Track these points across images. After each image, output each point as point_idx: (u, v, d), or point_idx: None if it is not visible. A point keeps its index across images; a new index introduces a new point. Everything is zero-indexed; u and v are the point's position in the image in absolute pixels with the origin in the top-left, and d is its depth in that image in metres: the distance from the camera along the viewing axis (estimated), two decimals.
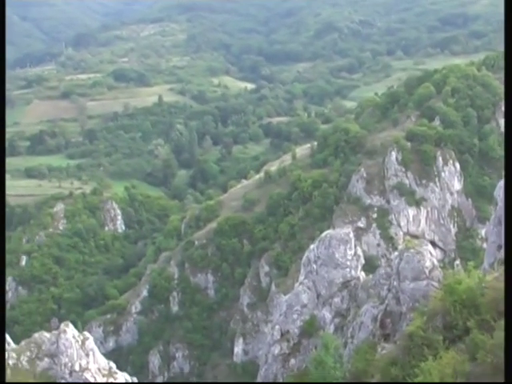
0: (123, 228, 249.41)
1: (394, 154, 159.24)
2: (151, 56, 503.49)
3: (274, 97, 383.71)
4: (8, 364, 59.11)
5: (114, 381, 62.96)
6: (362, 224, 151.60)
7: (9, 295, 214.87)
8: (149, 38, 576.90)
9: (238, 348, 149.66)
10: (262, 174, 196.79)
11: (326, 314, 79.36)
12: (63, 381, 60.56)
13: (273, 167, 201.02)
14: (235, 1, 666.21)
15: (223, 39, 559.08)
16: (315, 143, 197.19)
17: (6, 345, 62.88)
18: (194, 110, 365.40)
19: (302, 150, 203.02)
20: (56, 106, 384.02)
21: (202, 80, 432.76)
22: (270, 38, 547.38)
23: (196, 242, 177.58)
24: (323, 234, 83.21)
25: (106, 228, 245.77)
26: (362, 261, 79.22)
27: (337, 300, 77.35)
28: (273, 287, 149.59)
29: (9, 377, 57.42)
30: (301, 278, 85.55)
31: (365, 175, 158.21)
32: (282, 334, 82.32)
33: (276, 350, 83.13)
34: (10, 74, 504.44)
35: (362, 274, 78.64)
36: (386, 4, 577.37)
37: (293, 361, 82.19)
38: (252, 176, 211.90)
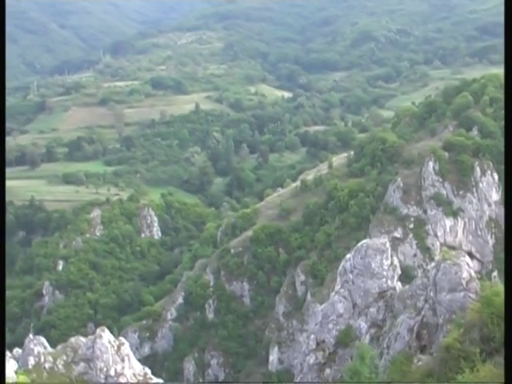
0: (159, 235, 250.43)
1: (431, 164, 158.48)
2: (188, 64, 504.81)
3: (311, 105, 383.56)
4: (44, 368, 59.61)
5: None
6: (398, 234, 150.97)
7: (46, 299, 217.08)
8: (186, 46, 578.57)
9: (273, 356, 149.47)
10: (298, 183, 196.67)
11: (362, 324, 79.24)
12: None
13: (309, 176, 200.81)
14: (272, 9, 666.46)
15: (260, 48, 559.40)
16: (352, 152, 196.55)
17: (43, 348, 63.54)
18: (231, 118, 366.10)
19: (339, 159, 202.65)
20: (94, 112, 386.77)
21: (238, 88, 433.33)
22: (307, 47, 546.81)
23: (232, 250, 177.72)
24: (359, 244, 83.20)
25: (143, 234, 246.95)
26: (399, 271, 79.06)
27: (373, 310, 77.22)
28: (308, 296, 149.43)
29: (45, 380, 57.95)
30: (337, 287, 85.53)
31: (402, 185, 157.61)
32: (317, 344, 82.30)
33: (311, 359, 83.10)
34: (48, 80, 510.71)
35: (399, 284, 78.45)
36: (424, 13, 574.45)
37: (328, 371, 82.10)
38: (288, 185, 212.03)
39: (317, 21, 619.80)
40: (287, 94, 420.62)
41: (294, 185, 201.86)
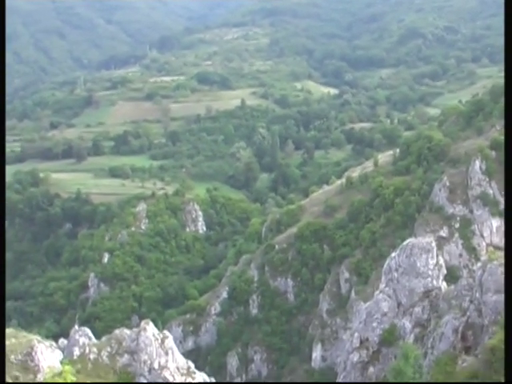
0: (204, 229, 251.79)
1: (477, 163, 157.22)
2: (234, 60, 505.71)
3: (357, 102, 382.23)
4: (89, 358, 60.61)
5: (192, 380, 64.13)
6: (444, 233, 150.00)
7: (91, 291, 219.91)
8: (232, 42, 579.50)
9: (317, 354, 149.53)
10: (343, 180, 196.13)
11: (406, 323, 79.25)
12: (142, 378, 61.95)
13: (354, 173, 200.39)
14: (318, 6, 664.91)
15: (306, 44, 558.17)
16: (397, 150, 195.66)
17: (87, 339, 64.62)
18: (277, 114, 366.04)
19: (385, 157, 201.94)
20: (140, 107, 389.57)
21: (284, 84, 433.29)
22: (353, 44, 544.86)
23: (276, 246, 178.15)
24: (405, 243, 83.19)
25: (188, 229, 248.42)
26: (444, 271, 78.99)
27: (417, 310, 77.23)
28: (352, 294, 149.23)
29: (90, 371, 58.98)
30: (381, 285, 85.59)
31: (448, 184, 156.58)
32: (361, 342, 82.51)
33: (355, 357, 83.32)
34: (95, 75, 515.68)
35: (444, 284, 78.36)
36: (472, 10, 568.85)
37: (371, 369, 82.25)
38: (333, 182, 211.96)
39: (364, 17, 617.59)
40: (333, 91, 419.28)
41: (339, 182, 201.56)
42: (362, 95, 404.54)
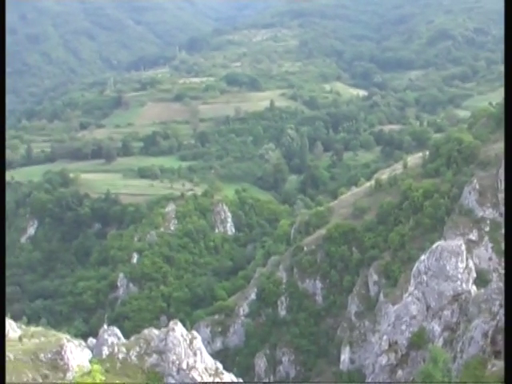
0: (233, 231, 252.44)
1: None
2: (263, 61, 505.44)
3: (386, 104, 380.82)
4: (117, 358, 61.11)
5: (220, 381, 64.48)
6: (473, 236, 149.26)
7: (120, 291, 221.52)
8: (261, 43, 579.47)
9: (345, 356, 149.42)
10: (372, 182, 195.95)
11: (436, 326, 79.12)
12: (170, 378, 62.38)
13: (383, 175, 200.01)
14: (347, 7, 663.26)
15: (335, 45, 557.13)
16: (427, 152, 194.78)
17: (116, 339, 65.15)
18: (306, 116, 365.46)
19: (414, 159, 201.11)
20: (169, 108, 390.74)
21: (313, 86, 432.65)
22: (382, 45, 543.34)
23: (305, 248, 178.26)
24: (434, 246, 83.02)
25: (216, 230, 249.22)
26: (474, 274, 78.71)
27: (447, 313, 77.07)
28: (381, 297, 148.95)
29: (118, 370, 59.48)
30: (410, 288, 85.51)
31: (477, 187, 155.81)
32: (389, 345, 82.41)
33: (383, 360, 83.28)
34: (124, 76, 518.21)
35: (473, 287, 78.12)
36: (502, 11, 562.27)
37: (400, 372, 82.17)
38: (362, 184, 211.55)
39: (392, 19, 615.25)
40: (362, 93, 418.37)
41: (368, 184, 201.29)
42: (391, 97, 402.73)
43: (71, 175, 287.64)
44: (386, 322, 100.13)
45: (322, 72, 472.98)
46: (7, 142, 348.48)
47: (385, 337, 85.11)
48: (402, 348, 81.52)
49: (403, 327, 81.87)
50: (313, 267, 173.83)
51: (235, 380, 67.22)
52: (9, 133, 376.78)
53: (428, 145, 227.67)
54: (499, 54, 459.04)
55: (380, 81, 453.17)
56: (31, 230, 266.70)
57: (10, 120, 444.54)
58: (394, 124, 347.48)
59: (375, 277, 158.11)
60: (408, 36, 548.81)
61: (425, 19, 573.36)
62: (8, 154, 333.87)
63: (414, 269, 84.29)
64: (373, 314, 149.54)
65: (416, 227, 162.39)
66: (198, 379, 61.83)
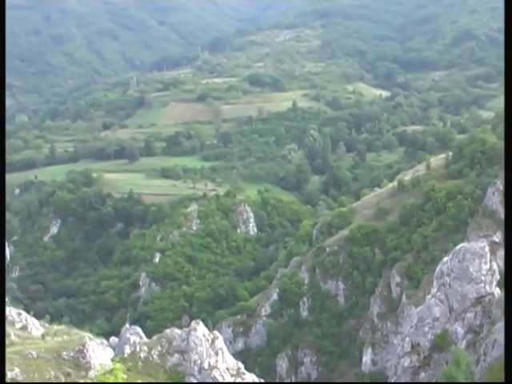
0: (255, 231, 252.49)
1: None
2: (286, 61, 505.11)
3: (409, 105, 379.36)
4: (139, 357, 61.38)
5: (241, 381, 64.52)
6: (497, 238, 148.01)
7: (142, 291, 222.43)
8: (284, 44, 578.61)
9: (367, 357, 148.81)
10: (395, 183, 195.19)
11: (458, 328, 78.86)
12: (192, 378, 62.53)
13: (406, 176, 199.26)
14: (370, 7, 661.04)
15: (358, 46, 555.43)
16: (450, 153, 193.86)
17: (138, 338, 65.47)
18: (328, 116, 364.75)
19: (437, 160, 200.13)
20: (192, 108, 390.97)
21: (336, 86, 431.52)
22: (405, 46, 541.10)
23: (327, 249, 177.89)
24: (457, 247, 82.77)
25: (239, 230, 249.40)
26: (497, 276, 78.41)
27: (470, 315, 76.79)
28: (403, 298, 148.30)
29: (140, 369, 59.74)
30: (433, 290, 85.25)
31: (501, 188, 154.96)
32: (412, 347, 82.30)
33: (406, 362, 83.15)
34: (147, 76, 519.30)
35: (497, 290, 77.81)
36: None
37: (423, 374, 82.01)
38: (385, 184, 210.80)
39: (416, 19, 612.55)
40: (385, 93, 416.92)
41: (390, 185, 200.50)
42: (414, 97, 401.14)
43: (94, 175, 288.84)
44: (408, 323, 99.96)
45: (344, 72, 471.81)
46: (31, 142, 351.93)
47: (407, 338, 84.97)
48: (424, 350, 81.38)
49: (426, 329, 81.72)
50: (335, 268, 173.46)
51: (257, 381, 67.34)
52: (32, 132, 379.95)
53: (451, 146, 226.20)
54: None
55: (403, 81, 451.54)
56: (54, 229, 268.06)
57: (33, 120, 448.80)
58: (417, 125, 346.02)
59: (398, 278, 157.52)
60: (431, 36, 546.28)
61: (448, 19, 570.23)
62: (32, 153, 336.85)
63: (437, 270, 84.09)
64: (395, 315, 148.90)
65: (439, 228, 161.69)
66: (220, 379, 62.05)
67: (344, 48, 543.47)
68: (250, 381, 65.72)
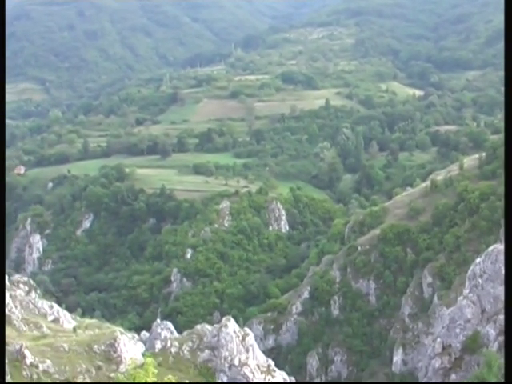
0: (287, 228, 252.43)
1: None
2: (319, 59, 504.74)
3: (443, 105, 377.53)
4: (170, 352, 61.91)
5: (271, 379, 64.81)
6: None
7: (173, 286, 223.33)
8: (317, 42, 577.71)
9: (398, 358, 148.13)
10: (428, 183, 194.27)
11: (490, 330, 78.68)
12: (222, 374, 62.93)
13: (439, 176, 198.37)
14: (404, 6, 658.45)
15: (391, 44, 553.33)
16: (484, 154, 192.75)
17: (169, 333, 65.99)
18: (361, 115, 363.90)
19: (470, 161, 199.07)
20: (224, 105, 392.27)
21: (369, 85, 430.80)
22: (439, 45, 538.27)
23: (359, 248, 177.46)
24: (490, 249, 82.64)
25: (270, 227, 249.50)
26: None
27: (502, 317, 76.39)
28: (435, 299, 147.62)
29: (171, 364, 60.25)
30: (465, 291, 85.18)
31: None
32: (443, 348, 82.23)
33: (437, 363, 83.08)
34: (180, 73, 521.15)
35: None
36: None
37: (453, 376, 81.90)
38: (418, 184, 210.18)
39: (450, 18, 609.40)
40: (418, 92, 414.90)
41: (423, 185, 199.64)
42: (447, 97, 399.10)
43: (127, 170, 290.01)
44: (439, 324, 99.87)
45: (378, 71, 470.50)
46: (64, 137, 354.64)
47: (438, 339, 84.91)
48: (455, 351, 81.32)
49: (457, 330, 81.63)
50: (366, 267, 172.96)
51: (287, 378, 67.67)
52: (66, 127, 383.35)
53: (485, 146, 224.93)
54: None
55: (437, 81, 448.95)
56: (87, 224, 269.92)
57: (67, 115, 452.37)
58: (450, 124, 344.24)
59: (429, 279, 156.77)
60: (466, 35, 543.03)
61: (483, 18, 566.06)
62: (65, 148, 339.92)
63: (469, 271, 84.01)
64: (426, 316, 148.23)
65: (472, 229, 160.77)
66: (250, 376, 62.40)
67: (377, 47, 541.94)
68: (281, 378, 66.05)
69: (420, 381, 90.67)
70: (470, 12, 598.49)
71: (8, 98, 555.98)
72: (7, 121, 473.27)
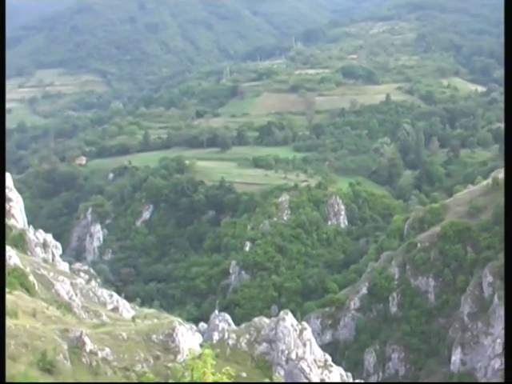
0: (346, 223, 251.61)
1: None
2: (380, 54, 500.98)
3: None
4: (228, 344, 62.29)
5: (328, 374, 64.83)
6: None
7: (232, 278, 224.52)
8: (378, 36, 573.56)
9: (456, 357, 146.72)
10: (489, 181, 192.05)
11: None
12: (279, 367, 63.16)
13: (501, 174, 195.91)
14: (467, 1, 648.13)
15: (454, 39, 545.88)
16: None
17: (227, 325, 66.42)
18: (422, 111, 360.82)
19: None
20: (284, 99, 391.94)
21: (430, 80, 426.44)
22: (503, 40, 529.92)
23: (419, 245, 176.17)
24: None
25: (329, 222, 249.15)
26: None
27: None
28: (495, 299, 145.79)
29: (228, 356, 60.60)
30: None
31: None
32: (503, 349, 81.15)
33: (496, 364, 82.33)
34: (240, 66, 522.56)
35: None
36: None
37: None
38: (479, 182, 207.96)
39: None
40: (481, 88, 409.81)
41: (484, 182, 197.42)
42: None
43: (187, 162, 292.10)
44: (499, 324, 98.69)
45: (439, 66, 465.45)
46: (125, 128, 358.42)
47: (498, 340, 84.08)
48: None
49: None
50: (426, 265, 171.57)
51: (344, 374, 67.61)
52: (127, 119, 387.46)
53: None
54: None
55: (499, 76, 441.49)
56: (146, 214, 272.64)
57: (128, 106, 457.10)
58: None
59: (490, 278, 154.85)
60: None
61: None
62: (126, 139, 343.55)
63: None
64: (486, 315, 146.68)
65: None
66: (307, 370, 62.41)
67: (439, 42, 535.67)
68: (337, 374, 66.06)
69: (479, 381, 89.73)
70: None
71: (70, 89, 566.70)
72: (69, 112, 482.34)
